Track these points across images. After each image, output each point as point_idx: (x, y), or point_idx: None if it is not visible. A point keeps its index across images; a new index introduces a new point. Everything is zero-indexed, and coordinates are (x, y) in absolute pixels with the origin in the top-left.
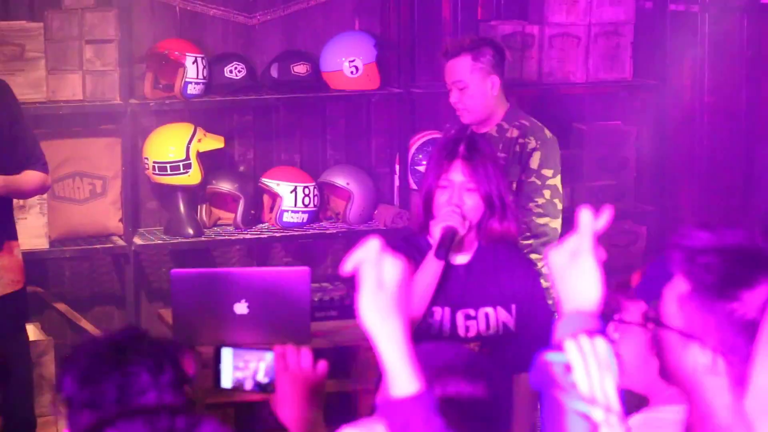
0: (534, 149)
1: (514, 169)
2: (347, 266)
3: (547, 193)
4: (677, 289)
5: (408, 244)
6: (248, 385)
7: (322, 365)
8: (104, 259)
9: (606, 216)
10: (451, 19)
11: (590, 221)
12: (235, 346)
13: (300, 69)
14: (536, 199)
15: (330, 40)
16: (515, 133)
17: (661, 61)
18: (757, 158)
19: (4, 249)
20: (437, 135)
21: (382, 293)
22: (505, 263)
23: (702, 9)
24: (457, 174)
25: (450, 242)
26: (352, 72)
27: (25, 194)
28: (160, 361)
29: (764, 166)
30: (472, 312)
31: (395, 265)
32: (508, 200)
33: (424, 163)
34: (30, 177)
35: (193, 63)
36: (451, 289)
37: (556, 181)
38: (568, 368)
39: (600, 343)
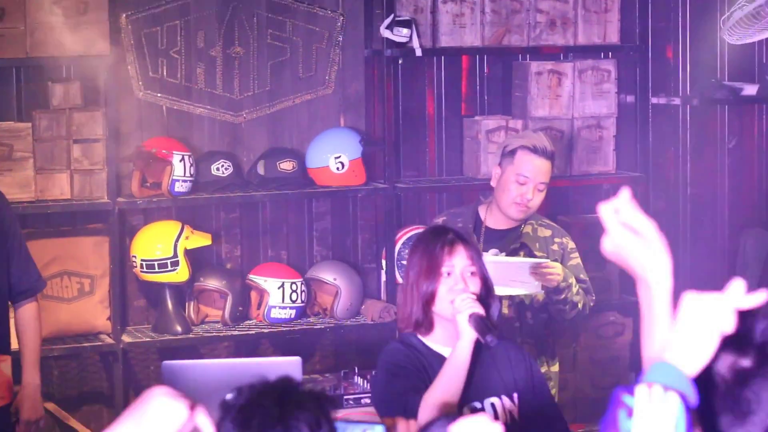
0: (573, 249)
1: None
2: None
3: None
4: None
5: (408, 348)
6: None
7: None
8: (92, 358)
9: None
10: (435, 115)
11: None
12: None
13: (286, 166)
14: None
15: (316, 137)
16: (547, 232)
17: (644, 153)
18: (741, 249)
19: None
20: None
21: None
22: (500, 350)
23: (683, 102)
24: (460, 259)
25: (487, 325)
26: (338, 168)
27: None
28: (317, 415)
29: (748, 257)
30: (477, 404)
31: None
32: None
33: None
34: (30, 332)
35: (180, 161)
36: None
37: None
38: (630, 413)
39: (674, 399)
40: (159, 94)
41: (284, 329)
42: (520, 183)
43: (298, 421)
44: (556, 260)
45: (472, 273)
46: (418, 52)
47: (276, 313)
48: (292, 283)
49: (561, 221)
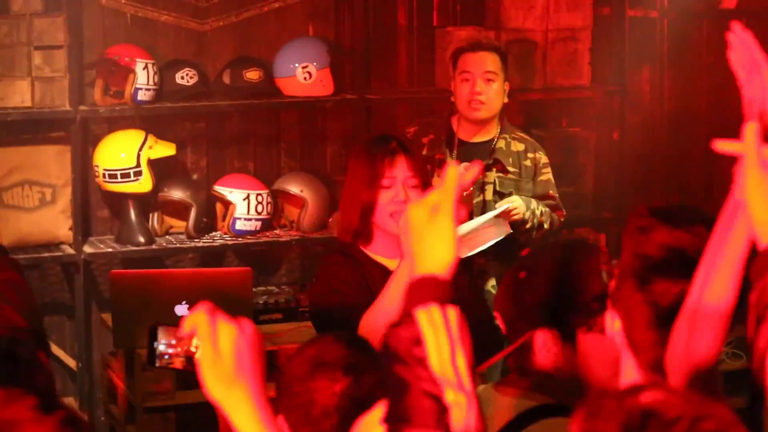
0: (546, 164)
1: (527, 185)
2: (184, 329)
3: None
4: None
5: (349, 259)
6: (181, 362)
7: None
8: (54, 268)
9: (474, 170)
10: (406, 26)
11: (456, 176)
12: (171, 324)
13: (252, 75)
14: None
15: (283, 47)
16: (520, 146)
17: (620, 67)
18: (717, 165)
19: None
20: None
21: (220, 361)
22: None
23: (661, 15)
24: (401, 170)
25: None
26: (305, 78)
27: None
28: None
29: (725, 174)
30: None
31: (230, 331)
32: None
33: None
34: None
35: (144, 69)
36: None
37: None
38: (417, 341)
39: (452, 314)
40: (123, 1)
41: (249, 241)
42: (465, 80)
43: None
44: (527, 177)
45: (414, 185)
46: None
47: (241, 225)
48: (258, 194)
49: (535, 135)
